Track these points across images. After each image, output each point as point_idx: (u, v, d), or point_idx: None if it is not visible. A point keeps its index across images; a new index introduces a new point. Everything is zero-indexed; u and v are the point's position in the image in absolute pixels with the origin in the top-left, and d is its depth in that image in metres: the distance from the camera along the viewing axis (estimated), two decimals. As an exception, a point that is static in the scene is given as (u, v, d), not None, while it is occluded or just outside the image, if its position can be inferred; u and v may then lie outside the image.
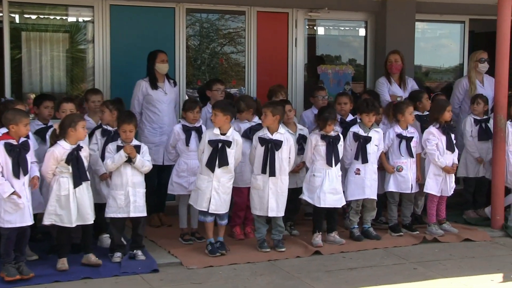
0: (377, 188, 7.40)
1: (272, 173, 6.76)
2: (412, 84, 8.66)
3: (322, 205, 6.95)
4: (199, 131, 7.10)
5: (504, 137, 7.75)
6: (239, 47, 9.26)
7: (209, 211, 6.62)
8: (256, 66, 8.96)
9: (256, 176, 6.82)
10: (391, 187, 7.51)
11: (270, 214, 6.83)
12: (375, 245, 7.16)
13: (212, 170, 6.58)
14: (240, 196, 7.17)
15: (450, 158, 7.51)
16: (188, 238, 7.13)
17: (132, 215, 6.45)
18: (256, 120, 7.28)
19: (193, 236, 7.20)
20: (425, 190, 7.52)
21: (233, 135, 6.73)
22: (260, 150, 6.78)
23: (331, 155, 6.95)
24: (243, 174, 7.14)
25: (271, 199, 6.78)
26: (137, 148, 6.51)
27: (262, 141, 6.77)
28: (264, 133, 6.81)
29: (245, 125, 7.25)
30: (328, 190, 6.94)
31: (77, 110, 6.92)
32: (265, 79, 8.85)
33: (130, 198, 6.42)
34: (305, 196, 7.09)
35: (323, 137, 6.97)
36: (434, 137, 7.45)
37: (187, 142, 7.10)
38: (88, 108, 7.25)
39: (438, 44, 10.82)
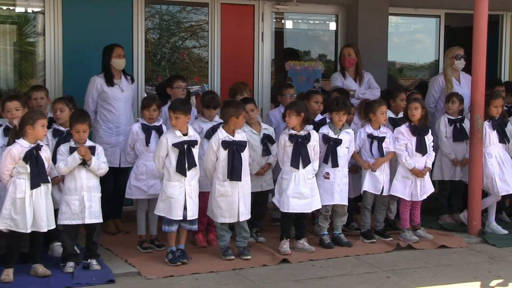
0: (347, 192, 7.43)
1: (239, 177, 6.76)
2: (368, 78, 8.78)
3: (285, 210, 6.98)
4: (159, 131, 7.09)
5: (482, 138, 7.83)
6: (201, 41, 9.26)
7: (188, 218, 6.61)
8: (220, 61, 8.98)
9: (223, 182, 6.78)
10: (366, 186, 7.52)
11: (242, 219, 6.84)
12: (346, 252, 7.20)
13: (184, 174, 6.58)
14: (204, 201, 7.13)
15: (421, 161, 7.55)
16: (146, 246, 7.11)
17: (87, 221, 6.38)
18: (217, 119, 7.27)
19: (152, 244, 7.17)
20: (391, 193, 7.57)
21: (194, 133, 6.76)
22: (223, 154, 6.75)
23: (298, 157, 6.95)
24: (206, 178, 7.09)
25: (241, 203, 6.81)
26: (92, 150, 6.45)
27: (226, 144, 6.75)
28: (225, 135, 6.78)
29: (207, 125, 7.24)
30: (292, 194, 6.95)
31: (24, 108, 6.82)
32: (230, 76, 8.86)
33: (85, 203, 6.35)
34: (274, 199, 7.13)
35: (291, 137, 6.99)
36: (404, 137, 7.52)
37: (147, 142, 7.08)
38: (31, 106, 7.14)
39: (413, 39, 10.94)
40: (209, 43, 8.99)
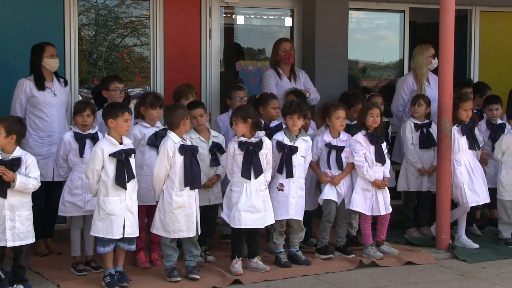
0: (303, 206, 7.42)
1: (199, 184, 6.78)
2: (305, 78, 8.85)
3: (237, 225, 6.94)
4: (95, 139, 7.01)
5: (450, 144, 7.89)
6: (143, 39, 9.22)
7: (126, 236, 6.55)
8: (163, 61, 8.92)
9: (180, 192, 6.72)
10: (327, 195, 7.50)
11: (199, 232, 6.84)
12: (304, 271, 7.20)
13: (124, 187, 6.53)
14: (142, 216, 7.12)
15: (380, 171, 7.60)
16: (81, 268, 7.01)
17: (10, 244, 6.23)
18: (159, 125, 7.24)
19: (88, 266, 7.09)
20: (350, 207, 7.59)
21: (129, 141, 6.72)
22: (180, 160, 6.70)
23: (249, 166, 6.93)
24: (149, 189, 7.05)
25: (197, 214, 6.80)
26: (16, 162, 6.28)
27: (183, 149, 6.69)
28: (179, 139, 6.74)
29: (149, 131, 7.19)
30: (244, 207, 6.91)
31: None
32: (174, 77, 8.81)
33: (6, 224, 6.19)
34: (223, 214, 7.08)
35: (241, 145, 6.97)
36: (362, 146, 7.54)
37: (81, 153, 7.00)
38: None
39: (377, 36, 11.01)
40: (151, 40, 8.92)
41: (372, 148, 7.55)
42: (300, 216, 7.36)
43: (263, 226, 7.12)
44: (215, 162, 7.37)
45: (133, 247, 6.71)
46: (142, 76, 9.22)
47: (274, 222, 7.17)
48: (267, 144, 7.10)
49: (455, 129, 8.00)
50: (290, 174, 7.27)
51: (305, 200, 7.45)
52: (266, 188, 7.10)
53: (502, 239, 8.25)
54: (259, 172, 7.00)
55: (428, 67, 8.95)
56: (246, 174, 6.94)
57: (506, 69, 10.81)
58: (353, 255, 7.58)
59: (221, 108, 9.10)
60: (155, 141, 7.08)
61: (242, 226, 6.94)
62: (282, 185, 7.29)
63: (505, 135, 8.37)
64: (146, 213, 7.20)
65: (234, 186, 7.02)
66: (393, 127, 8.95)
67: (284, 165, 7.26)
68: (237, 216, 6.92)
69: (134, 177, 6.61)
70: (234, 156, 7.01)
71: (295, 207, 7.30)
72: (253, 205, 6.95)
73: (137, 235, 6.69)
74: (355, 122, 7.92)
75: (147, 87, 9.03)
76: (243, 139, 6.99)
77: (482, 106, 9.10)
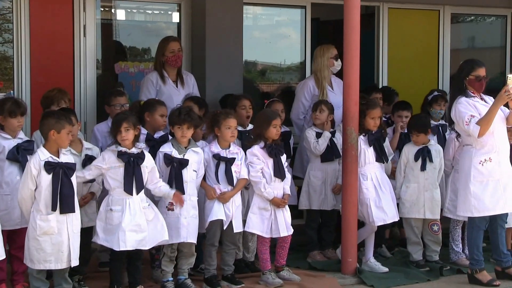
0: (197, 227, 7.37)
1: (72, 208, 6.65)
2: (193, 83, 8.89)
3: (122, 247, 6.86)
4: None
5: (356, 155, 7.98)
6: (6, 36, 9.14)
7: None
8: (29, 62, 8.82)
9: (46, 217, 6.60)
10: (214, 215, 7.42)
11: (73, 264, 6.71)
12: (193, 302, 7.20)
13: None
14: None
15: (280, 187, 7.65)
16: None
17: None
18: (22, 136, 7.09)
19: None
20: (246, 229, 7.60)
21: None
22: (47, 180, 6.57)
23: (131, 179, 6.89)
24: (10, 211, 6.96)
25: (71, 244, 6.68)
26: None
27: (50, 167, 6.58)
28: (47, 156, 6.61)
29: (10, 142, 7.02)
30: (128, 227, 6.85)
31: None
32: (43, 80, 8.70)
33: None
34: (99, 239, 6.98)
35: (120, 155, 6.90)
36: (259, 160, 7.57)
37: None
38: None
39: (276, 34, 11.08)
40: (14, 37, 8.80)
41: (270, 161, 7.58)
42: (193, 239, 7.32)
43: (147, 248, 7.09)
44: (88, 178, 7.25)
45: None
46: (4, 79, 9.08)
47: (154, 244, 7.11)
48: (148, 155, 7.09)
49: (362, 139, 8.09)
50: (180, 191, 7.20)
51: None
52: (149, 205, 7.07)
53: (413, 262, 8.41)
54: (141, 187, 6.99)
55: (330, 70, 9.04)
56: (128, 189, 6.89)
57: (416, 72, 11.06)
58: (243, 285, 7.55)
59: (98, 116, 9.02)
60: (17, 155, 6.96)
61: (128, 248, 6.87)
62: (172, 204, 7.23)
63: (406, 146, 8.51)
64: (8, 239, 7.00)
65: (114, 204, 6.93)
66: (294, 137, 8.99)
67: (174, 181, 7.21)
68: (122, 238, 6.85)
69: None
70: (111, 169, 6.94)
71: (187, 228, 7.25)
72: (138, 224, 6.91)
73: None
74: (248, 129, 7.98)
75: (11, 91, 8.90)
76: (123, 149, 6.94)
77: (391, 113, 9.24)
